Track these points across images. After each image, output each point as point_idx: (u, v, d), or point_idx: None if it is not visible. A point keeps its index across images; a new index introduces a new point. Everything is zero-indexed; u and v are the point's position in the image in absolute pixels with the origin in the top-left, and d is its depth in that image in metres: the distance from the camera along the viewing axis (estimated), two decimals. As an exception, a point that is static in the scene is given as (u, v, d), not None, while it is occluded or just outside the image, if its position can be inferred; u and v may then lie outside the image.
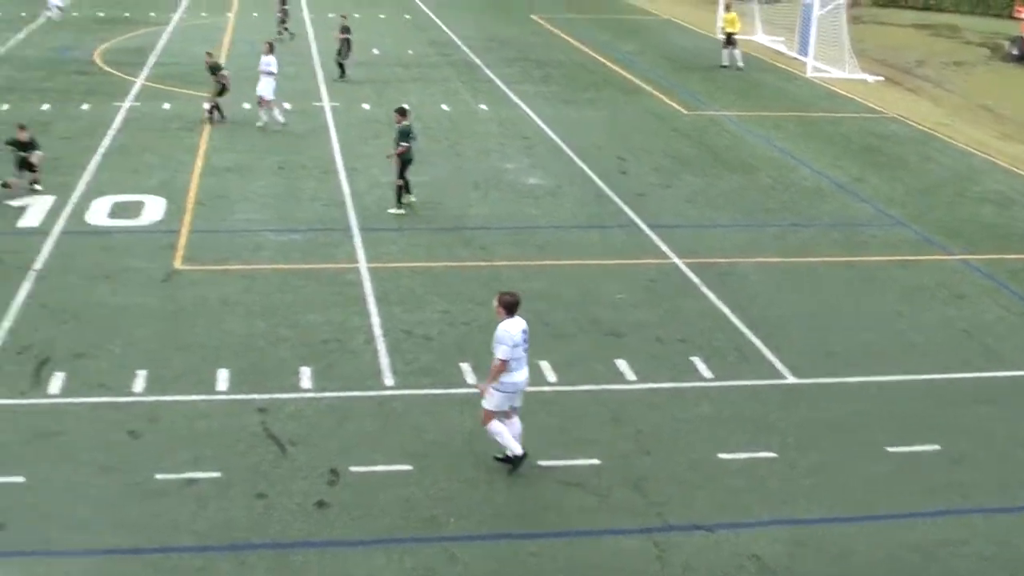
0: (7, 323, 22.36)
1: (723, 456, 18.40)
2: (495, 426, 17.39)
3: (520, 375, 17.39)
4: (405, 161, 29.38)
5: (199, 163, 33.43)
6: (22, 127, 30.05)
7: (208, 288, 24.20)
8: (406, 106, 30.33)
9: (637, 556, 15.88)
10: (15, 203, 29.30)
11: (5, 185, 29.52)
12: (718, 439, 18.92)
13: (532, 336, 19.16)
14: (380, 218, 28.96)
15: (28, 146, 29.77)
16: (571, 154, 35.69)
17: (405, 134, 29.20)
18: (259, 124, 37.73)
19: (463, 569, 15.43)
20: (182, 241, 26.92)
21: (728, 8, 53.54)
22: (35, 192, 29.75)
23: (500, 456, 17.65)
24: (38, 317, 22.72)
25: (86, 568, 15.17)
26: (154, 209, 29.09)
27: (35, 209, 28.86)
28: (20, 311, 22.96)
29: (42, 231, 27.45)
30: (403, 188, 29.58)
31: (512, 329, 17.23)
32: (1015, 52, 56.79)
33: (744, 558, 15.92)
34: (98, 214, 28.69)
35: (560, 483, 17.50)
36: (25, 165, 29.76)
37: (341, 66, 46.33)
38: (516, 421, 17.67)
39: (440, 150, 35.19)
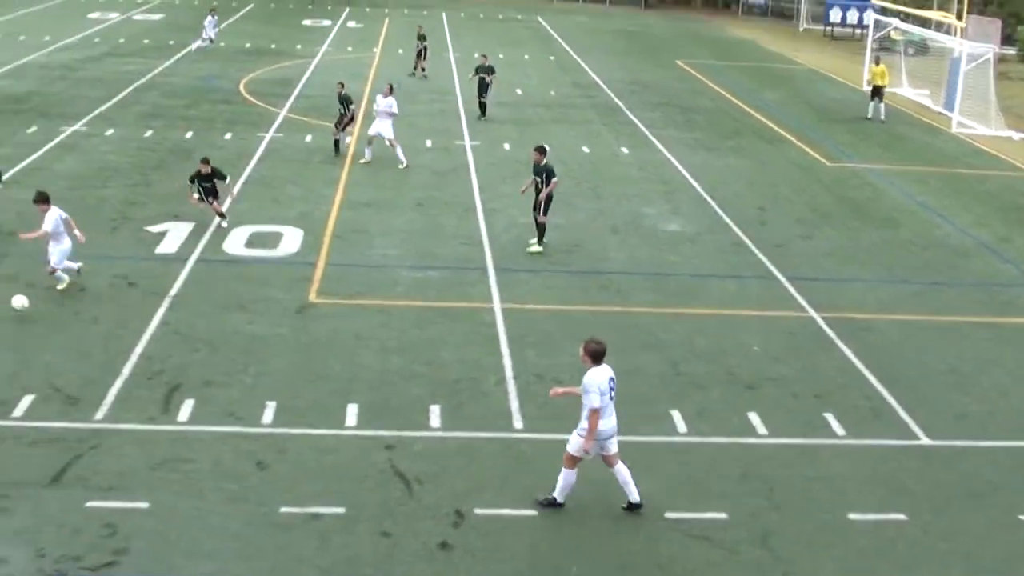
0: (140, 348, 22.74)
1: (853, 516, 18.05)
2: (568, 474, 17.69)
3: (608, 423, 17.35)
4: (549, 199, 29.50)
5: (339, 197, 33.81)
6: (205, 161, 30.24)
7: (342, 321, 24.40)
8: (546, 145, 30.54)
9: (764, 615, 15.66)
10: (154, 229, 29.95)
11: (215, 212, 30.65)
12: (848, 498, 18.59)
13: (666, 384, 19.12)
14: (517, 259, 29.02)
15: (211, 177, 30.05)
16: (711, 201, 35.49)
17: (551, 171, 29.49)
18: (367, 159, 38.23)
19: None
20: (318, 274, 27.21)
21: (877, 61, 52.93)
22: (220, 220, 30.43)
23: (544, 499, 17.89)
24: (171, 344, 23.07)
25: (213, 598, 15.28)
26: (292, 241, 29.45)
27: (173, 236, 29.39)
28: (153, 337, 23.34)
29: (179, 258, 27.94)
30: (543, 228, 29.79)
31: (599, 377, 17.25)
32: None
33: (873, 622, 15.63)
34: (236, 243, 29.13)
35: (687, 536, 17.32)
36: (211, 194, 30.15)
37: (482, 105, 46.59)
38: (622, 467, 17.76)
39: (580, 192, 35.21)
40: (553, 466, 18.84)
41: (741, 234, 32.31)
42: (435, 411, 20.69)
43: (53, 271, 25.15)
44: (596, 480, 18.56)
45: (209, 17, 63.21)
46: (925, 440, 20.80)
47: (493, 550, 16.64)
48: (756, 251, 30.87)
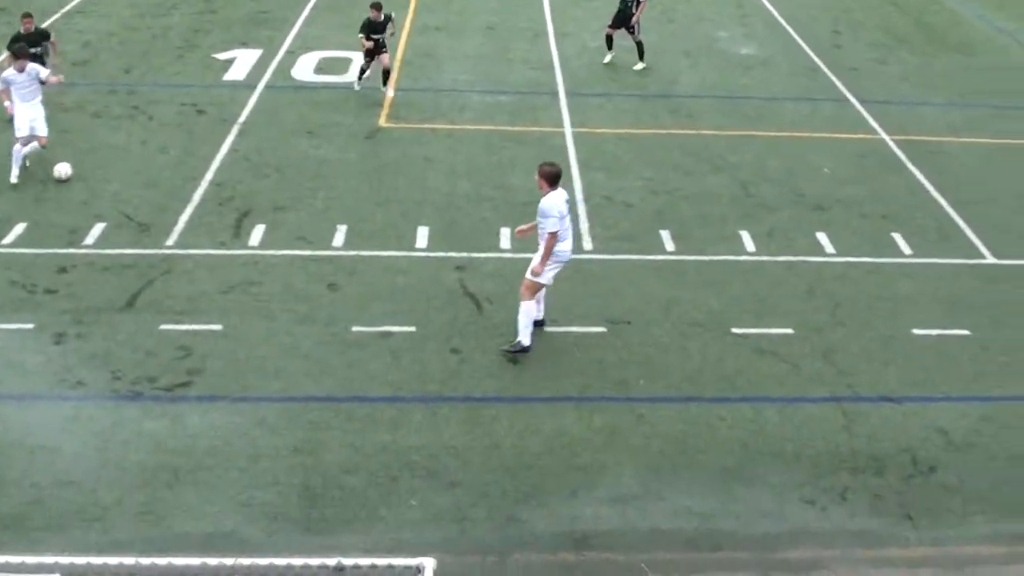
0: (209, 175, 23.06)
1: (916, 332, 18.33)
2: (530, 306, 17.11)
3: (567, 245, 17.14)
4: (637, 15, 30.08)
5: (408, 21, 33.71)
6: (376, 6, 26.75)
7: (411, 146, 24.60)
8: None
9: (825, 424, 16.03)
10: (222, 56, 30.09)
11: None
12: (912, 315, 18.84)
13: (736, 205, 19.21)
14: (588, 83, 29.01)
15: (384, 25, 26.96)
16: (785, 25, 35.12)
17: None
18: None
19: (649, 429, 15.74)
20: (388, 99, 27.30)
21: None
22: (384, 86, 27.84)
23: (507, 348, 17.27)
24: (241, 170, 23.37)
25: (281, 413, 15.79)
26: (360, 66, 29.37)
27: (241, 62, 29.50)
28: (223, 164, 23.63)
29: (248, 84, 28.10)
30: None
31: (556, 200, 16.81)
32: None
33: (931, 431, 15.97)
34: (304, 69, 29.22)
35: (753, 351, 17.64)
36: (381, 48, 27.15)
37: None
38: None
39: (652, 16, 34.78)
40: (621, 285, 19.22)
41: (815, 57, 32.05)
42: (505, 233, 20.94)
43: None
44: (661, 298, 18.87)
45: None
46: (990, 259, 20.90)
47: (562, 365, 17.04)
48: (829, 74, 30.65)
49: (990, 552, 14.07)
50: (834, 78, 30.35)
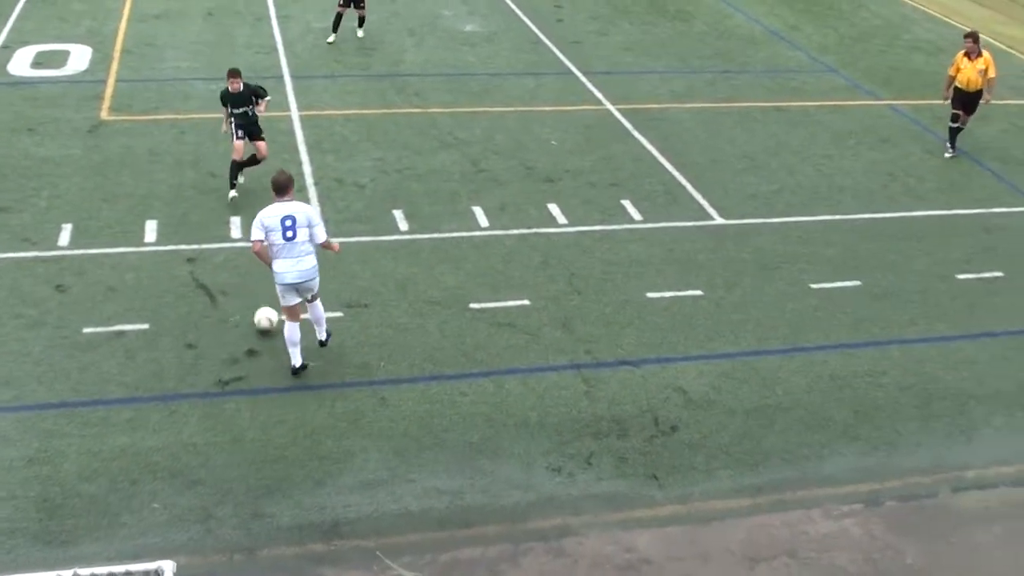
0: (-73, 177, 22.03)
1: (651, 295, 18.69)
2: (286, 328, 16.17)
3: (283, 266, 15.72)
4: None
5: (127, 10, 32.74)
6: (234, 73, 21.46)
7: (136, 138, 23.91)
8: None
9: (566, 392, 16.20)
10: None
11: None
12: (646, 279, 19.18)
13: (467, 181, 19.21)
14: (313, 65, 28.68)
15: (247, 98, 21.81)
16: (507, 1, 35.33)
17: None
18: None
19: (393, 411, 15.63)
20: (109, 91, 26.52)
21: None
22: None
23: (293, 368, 16.34)
24: (-39, 170, 22.40)
25: (14, 423, 15.15)
26: (80, 58, 28.50)
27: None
28: (-60, 166, 22.62)
29: (-37, 81, 26.94)
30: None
31: (268, 213, 15.66)
32: None
33: (670, 391, 16.32)
34: (21, 64, 28.08)
35: (491, 324, 17.69)
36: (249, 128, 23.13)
37: None
38: (317, 305, 16.47)
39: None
40: (356, 267, 19.06)
41: (538, 32, 32.34)
42: (235, 222, 20.53)
43: None
44: (399, 276, 18.80)
45: None
46: (719, 220, 21.46)
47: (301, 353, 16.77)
48: (553, 48, 30.97)
49: (736, 505, 14.45)
50: (557, 52, 30.68)
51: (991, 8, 39.03)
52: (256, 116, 21.47)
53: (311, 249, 15.84)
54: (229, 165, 21.42)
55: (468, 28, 32.49)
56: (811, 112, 27.36)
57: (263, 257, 15.84)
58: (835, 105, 27.94)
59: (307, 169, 22.74)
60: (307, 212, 15.90)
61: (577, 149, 24.31)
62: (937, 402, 16.62)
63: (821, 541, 13.93)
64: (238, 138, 21.18)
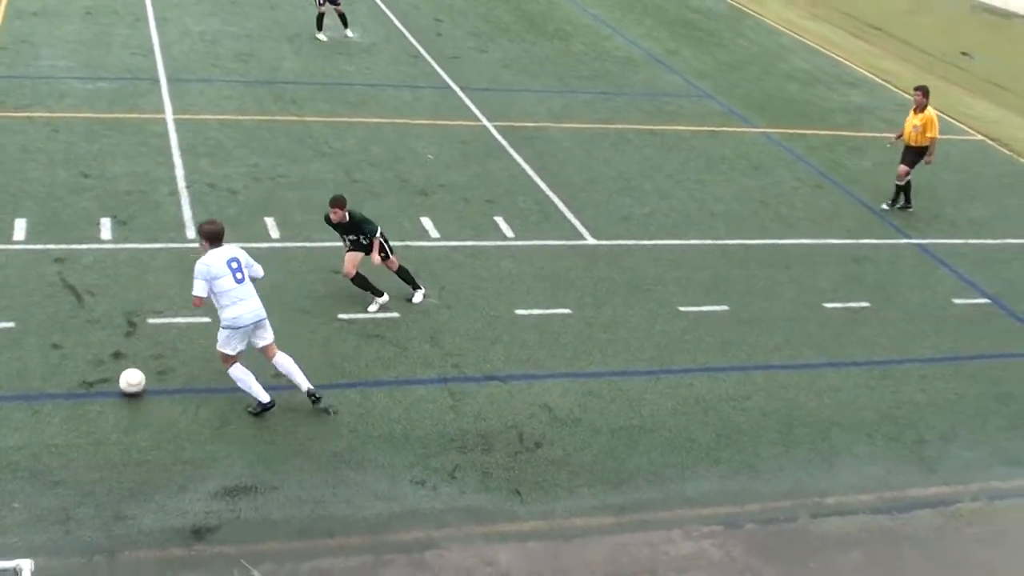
0: None
1: (520, 312, 18.85)
2: (235, 371, 15.69)
3: (238, 310, 15.36)
4: None
5: (3, 5, 32.22)
6: (337, 204, 18.56)
7: (8, 136, 23.52)
8: None
9: (433, 405, 16.30)
10: None
11: None
12: (516, 296, 19.34)
13: (342, 191, 19.08)
14: (190, 69, 28.44)
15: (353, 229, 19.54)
16: (388, 13, 35.42)
17: None
18: None
19: (257, 419, 15.60)
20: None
21: None
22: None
23: (251, 410, 15.81)
24: None
25: None
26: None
27: None
28: None
29: None
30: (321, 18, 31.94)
31: (213, 261, 15.26)
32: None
33: (536, 407, 16.48)
34: None
35: (360, 335, 17.73)
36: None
37: None
38: (282, 358, 15.97)
39: (254, 1, 34.56)
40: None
41: (418, 45, 32.44)
42: (106, 223, 20.34)
43: None
44: (268, 283, 18.63)
45: None
46: (591, 240, 21.69)
47: (167, 358, 16.66)
48: (432, 62, 31.07)
49: (598, 523, 14.60)
50: (436, 66, 30.79)
51: (867, 41, 39.95)
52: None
53: (255, 291, 15.65)
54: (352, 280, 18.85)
55: (347, 37, 32.44)
56: (686, 136, 27.77)
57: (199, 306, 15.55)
58: (710, 131, 28.40)
59: (179, 172, 22.59)
60: (243, 253, 15.70)
61: (453, 164, 24.42)
62: (800, 428, 16.95)
63: (681, 562, 14.15)
64: (349, 250, 18.87)
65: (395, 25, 34.21)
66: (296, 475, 14.63)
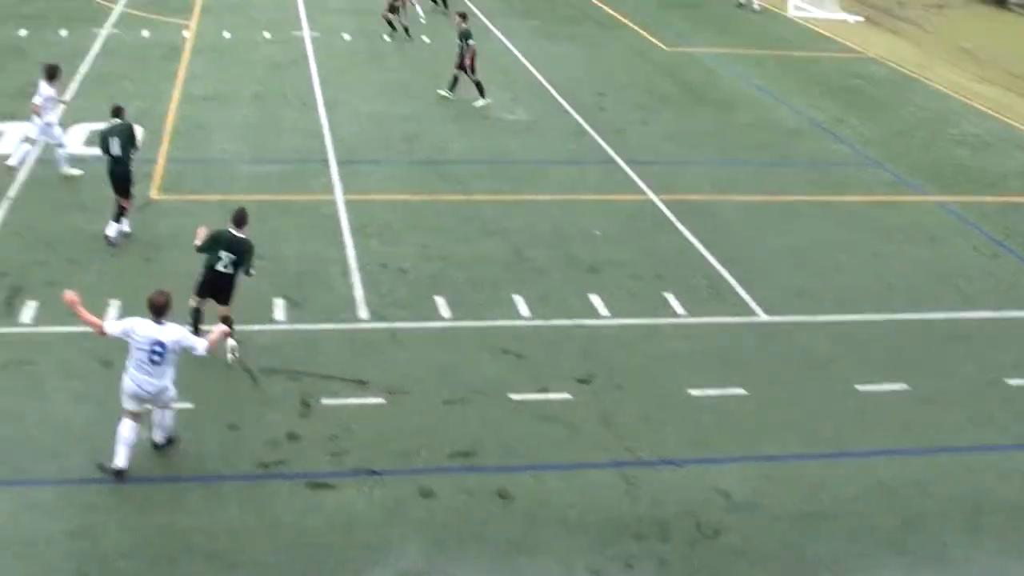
0: (-20, 252, 22.25)
1: (693, 392, 18.53)
2: (120, 425, 15.59)
3: (136, 378, 15.38)
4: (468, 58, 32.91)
5: (177, 92, 33.17)
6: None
7: (184, 218, 23.92)
8: (465, 12, 34.11)
9: (607, 490, 16.03)
10: (-11, 129, 29.13)
11: None
12: (689, 375, 19.04)
13: (509, 270, 19.19)
14: (358, 150, 28.87)
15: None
16: (551, 89, 35.57)
17: (466, 36, 32.86)
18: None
19: (433, 501, 15.53)
20: (159, 171, 26.73)
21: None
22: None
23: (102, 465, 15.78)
24: (12, 246, 22.56)
25: (56, 496, 15.18)
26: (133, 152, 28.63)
27: (10, 136, 28.55)
28: (-6, 240, 22.82)
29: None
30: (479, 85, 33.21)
31: (140, 327, 15.31)
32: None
33: (713, 492, 16.10)
34: (74, 142, 28.25)
35: (532, 417, 17.61)
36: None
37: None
38: (167, 414, 16.13)
39: (420, 82, 34.98)
40: (398, 353, 19.04)
41: (581, 120, 32.49)
42: (280, 304, 20.61)
43: None
44: (440, 363, 18.76)
45: None
46: (763, 316, 21.34)
47: (341, 439, 16.73)
48: (596, 136, 31.09)
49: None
50: (600, 140, 30.79)
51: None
52: None
53: (169, 369, 15.52)
54: None
55: (511, 116, 32.67)
56: (856, 206, 27.31)
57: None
58: (881, 200, 27.90)
59: (350, 253, 22.83)
60: (178, 339, 15.42)
61: (620, 240, 24.32)
62: (988, 515, 16.25)
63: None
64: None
65: (558, 100, 34.34)
66: (471, 561, 14.52)
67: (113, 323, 15.35)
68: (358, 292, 21.26)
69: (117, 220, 23.00)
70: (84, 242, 22.83)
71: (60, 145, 25.97)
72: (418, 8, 43.98)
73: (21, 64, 34.75)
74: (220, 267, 18.61)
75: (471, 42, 33.12)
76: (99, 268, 21.71)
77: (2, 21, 41.29)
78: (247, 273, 18.80)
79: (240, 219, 18.95)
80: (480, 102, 33.12)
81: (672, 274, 22.80)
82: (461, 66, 33.22)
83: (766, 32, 47.49)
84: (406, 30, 41.27)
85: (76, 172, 25.75)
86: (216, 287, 18.75)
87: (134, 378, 15.39)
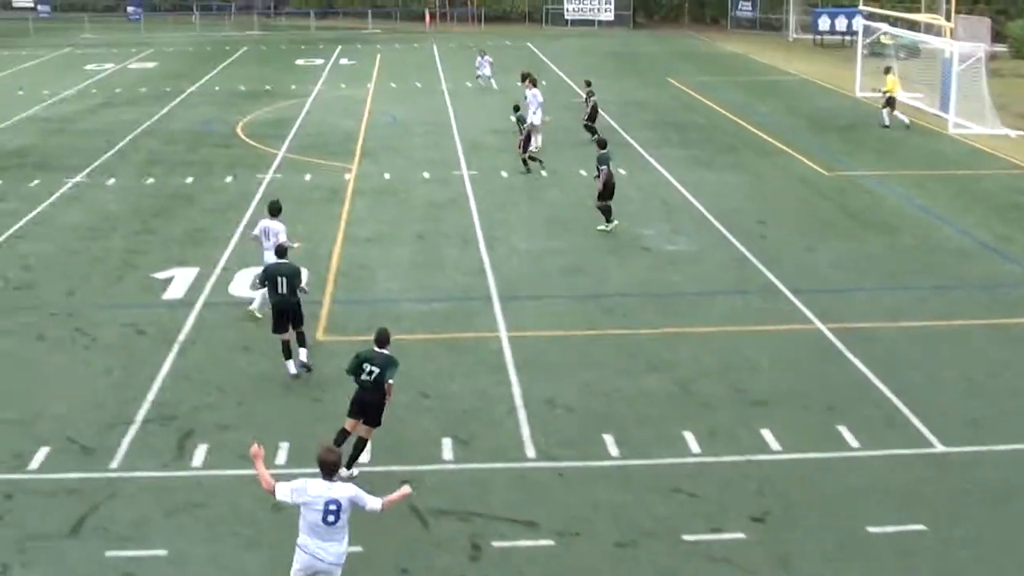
0: (151, 395, 22.77)
1: (872, 530, 17.92)
2: None
3: (313, 544, 14.68)
4: (608, 185, 33.48)
5: (341, 233, 33.78)
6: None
7: (349, 358, 24.19)
8: (604, 139, 35.37)
9: (787, 635, 15.60)
10: (160, 275, 29.96)
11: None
12: (867, 511, 18.46)
13: (676, 405, 18.89)
14: (520, 286, 29.01)
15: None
16: (711, 218, 35.45)
17: (600, 160, 33.57)
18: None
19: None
20: (324, 311, 27.18)
21: (887, 71, 52.71)
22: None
23: None
24: (182, 389, 23.09)
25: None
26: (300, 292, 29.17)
27: (180, 281, 29.38)
28: (164, 384, 23.37)
29: (187, 303, 27.96)
30: (606, 211, 33.80)
31: (311, 488, 14.66)
32: None
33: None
34: (241, 285, 29.03)
35: (705, 558, 17.22)
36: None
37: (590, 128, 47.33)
38: None
39: (579, 216, 35.12)
40: (566, 494, 18.87)
41: (743, 249, 32.26)
42: (447, 444, 20.65)
43: None
44: (611, 503, 18.53)
45: (479, 58, 65.21)
46: (940, 447, 20.70)
47: (512, 583, 16.60)
48: (759, 265, 30.80)
49: None
50: (764, 269, 30.50)
51: None
52: None
53: (346, 533, 14.87)
54: None
55: (672, 247, 32.59)
56: (1031, 330, 26.59)
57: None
58: (1058, 320, 27.13)
59: (516, 391, 22.81)
60: (352, 496, 14.78)
61: (789, 371, 23.94)
62: None
63: None
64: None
65: (719, 229, 34.18)
66: None
67: (283, 487, 14.73)
68: (524, 430, 21.18)
69: (301, 346, 23.84)
70: (252, 384, 23.28)
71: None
72: (537, 140, 45.28)
73: (188, 210, 35.90)
74: (364, 376, 19.27)
75: (603, 167, 33.56)
76: (267, 410, 22.07)
77: (171, 169, 42.69)
78: (387, 381, 19.32)
79: (382, 339, 19.60)
80: (604, 226, 33.69)
81: (843, 405, 22.32)
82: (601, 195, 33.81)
83: (926, 151, 46.92)
84: (540, 162, 42.27)
85: (259, 315, 26.36)
86: (364, 404, 19.37)
87: (308, 548, 14.63)
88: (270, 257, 25.10)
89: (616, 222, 33.75)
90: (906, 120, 51.36)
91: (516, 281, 29.47)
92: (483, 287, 28.99)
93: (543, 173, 41.42)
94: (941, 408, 22.20)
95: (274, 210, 26.63)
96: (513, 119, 44.42)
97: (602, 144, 34.63)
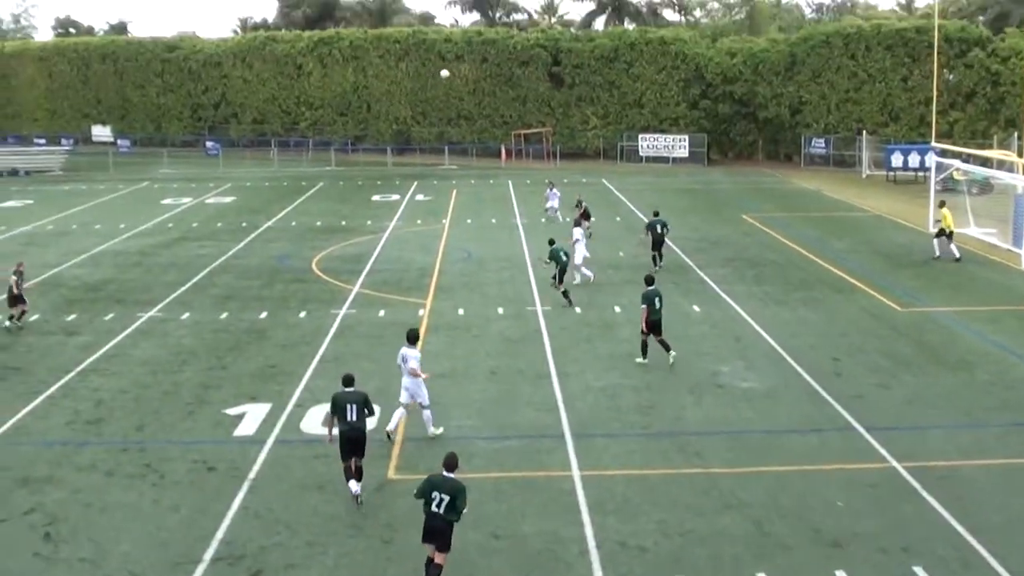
0: (220, 534, 22.90)
1: (951, 675, 17.73)
2: None
3: None
4: (653, 322, 34.00)
5: (414, 369, 33.92)
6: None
7: (420, 483, 24.30)
8: (651, 275, 35.92)
9: None
10: (232, 411, 30.25)
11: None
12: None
13: (751, 545, 18.72)
14: (593, 424, 29.00)
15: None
16: (785, 355, 35.34)
17: (644, 298, 34.04)
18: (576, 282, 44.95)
19: None
20: (396, 450, 27.28)
21: (941, 204, 52.98)
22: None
23: None
24: (251, 527, 23.21)
25: None
26: (368, 417, 29.34)
27: (251, 417, 29.62)
28: (234, 521, 23.50)
29: (258, 440, 28.17)
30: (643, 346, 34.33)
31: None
32: None
33: None
34: (313, 422, 29.23)
35: None
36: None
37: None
38: None
39: (651, 353, 35.12)
40: (641, 637, 18.72)
41: (817, 386, 32.10)
42: (525, 584, 20.59)
43: None
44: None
45: (548, 190, 66.68)
46: (1018, 589, 20.44)
47: None
48: (833, 403, 30.63)
49: None
50: (838, 406, 30.32)
51: None
52: None
53: None
54: None
55: (746, 384, 32.49)
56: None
57: None
58: None
59: (589, 532, 22.72)
60: None
61: (864, 511, 23.70)
62: None
63: None
64: None
65: (793, 367, 34.06)
66: None
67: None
68: (597, 573, 21.08)
69: (358, 480, 24.27)
70: (322, 523, 23.32)
71: (426, 406, 27.93)
72: (586, 271, 46.81)
73: (261, 346, 36.31)
74: (434, 507, 19.71)
75: (644, 305, 34.03)
76: (337, 550, 22.10)
77: (245, 304, 43.22)
78: (458, 515, 19.89)
79: (451, 464, 20.10)
80: (640, 359, 34.39)
81: (919, 546, 22.06)
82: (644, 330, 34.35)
83: (1000, 287, 46.64)
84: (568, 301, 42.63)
85: (438, 431, 28.21)
86: (434, 530, 19.88)
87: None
88: (404, 381, 27.38)
89: (647, 360, 34.23)
90: (957, 253, 51.29)
91: (589, 418, 29.47)
92: (556, 424, 29.00)
93: (616, 309, 41.56)
94: (1019, 549, 21.90)
95: (412, 338, 27.92)
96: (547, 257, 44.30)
97: (648, 281, 35.10)
